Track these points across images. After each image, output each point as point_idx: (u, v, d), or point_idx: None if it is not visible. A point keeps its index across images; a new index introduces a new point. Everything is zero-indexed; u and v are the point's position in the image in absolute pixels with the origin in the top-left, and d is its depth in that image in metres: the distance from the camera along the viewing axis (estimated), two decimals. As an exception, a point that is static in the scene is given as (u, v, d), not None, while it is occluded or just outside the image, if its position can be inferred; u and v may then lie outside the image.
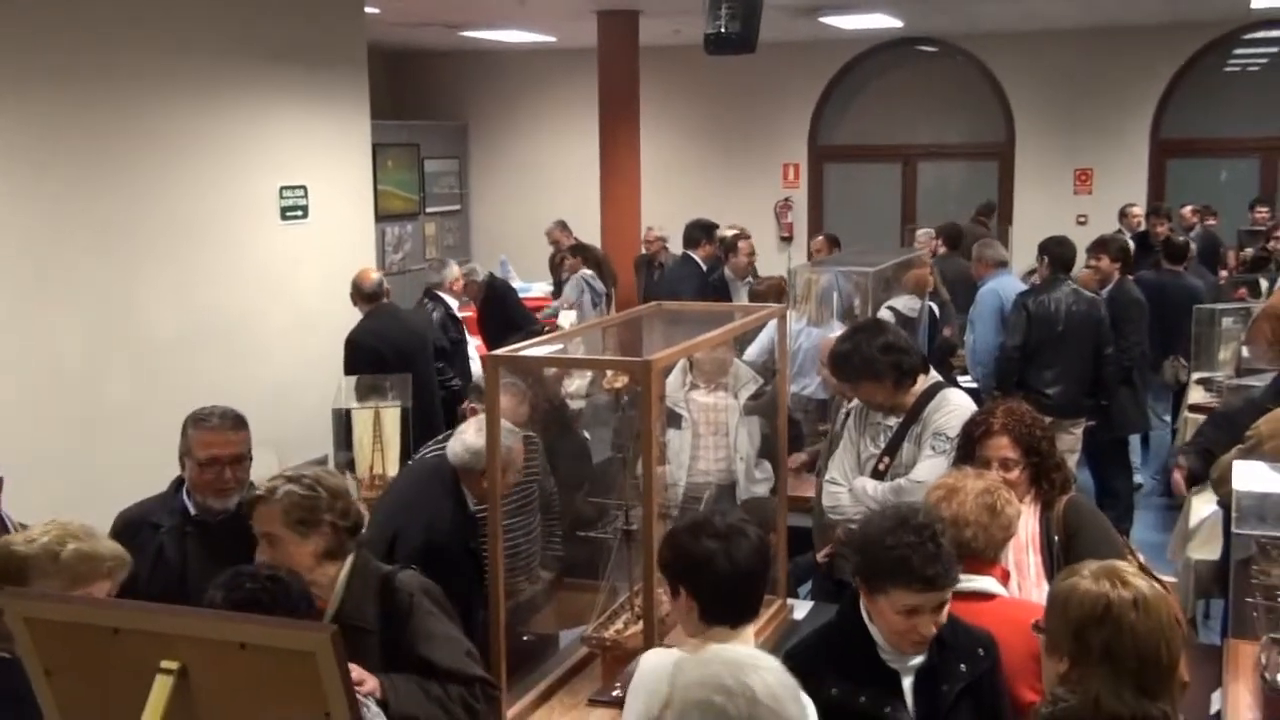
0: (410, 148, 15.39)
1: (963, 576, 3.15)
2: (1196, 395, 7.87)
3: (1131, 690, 2.40)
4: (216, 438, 3.78)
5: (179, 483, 3.88)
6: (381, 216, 12.97)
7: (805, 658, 2.85)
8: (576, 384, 6.97)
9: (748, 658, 2.19)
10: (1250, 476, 3.92)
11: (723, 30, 9.02)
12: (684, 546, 2.85)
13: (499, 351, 3.94)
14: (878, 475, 4.51)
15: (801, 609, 4.57)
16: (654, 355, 3.43)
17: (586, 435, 6.15)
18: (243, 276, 8.00)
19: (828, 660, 2.89)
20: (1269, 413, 4.74)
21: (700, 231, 9.91)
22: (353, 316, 7.70)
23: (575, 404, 6.79)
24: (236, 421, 3.86)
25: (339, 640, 1.75)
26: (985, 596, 3.21)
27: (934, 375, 4.64)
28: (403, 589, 3.23)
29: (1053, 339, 7.31)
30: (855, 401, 5.06)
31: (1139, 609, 2.46)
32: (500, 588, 3.55)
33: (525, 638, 4.51)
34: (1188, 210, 12.54)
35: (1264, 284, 9.95)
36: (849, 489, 4.59)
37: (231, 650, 1.81)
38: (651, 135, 12.64)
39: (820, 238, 11.28)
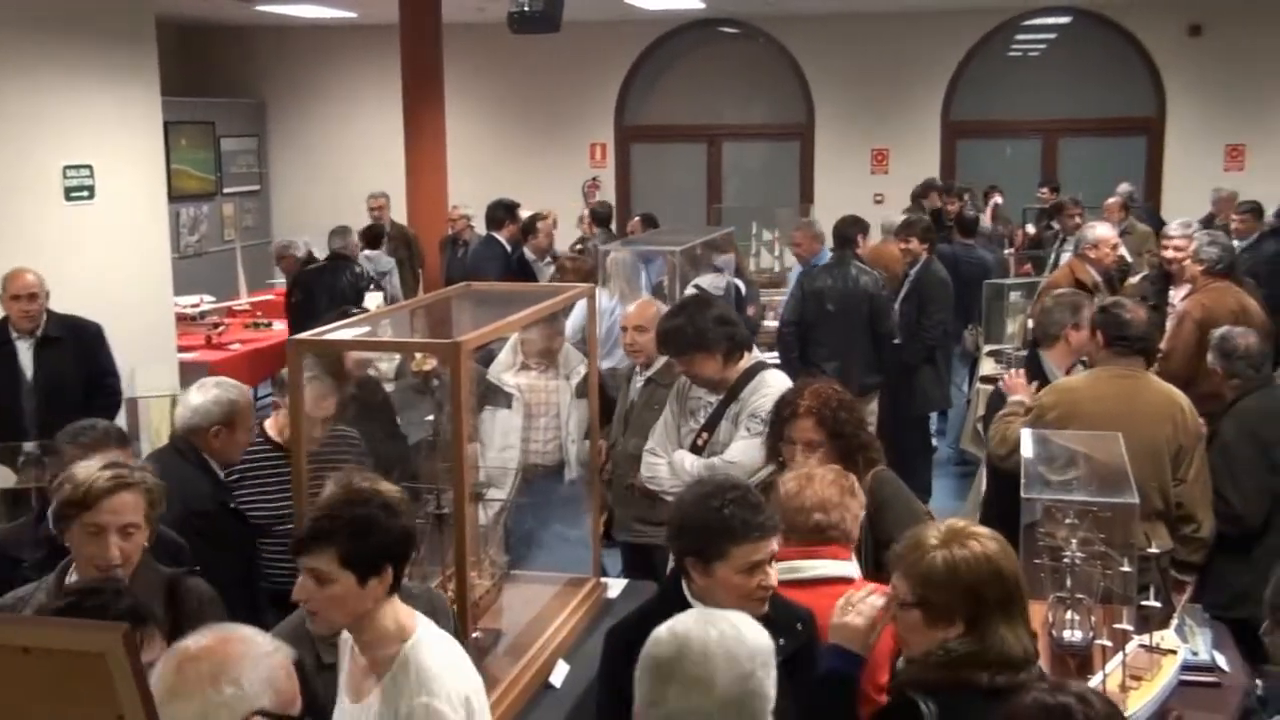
0: (205, 126, 14.83)
1: (827, 561, 3.21)
2: (988, 366, 8.20)
3: (1023, 629, 2.61)
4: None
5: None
6: (176, 197, 12.49)
7: (628, 636, 2.85)
8: (385, 367, 6.84)
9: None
10: (1036, 445, 4.10)
11: (526, 9, 8.97)
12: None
13: (302, 335, 3.83)
14: (696, 450, 4.56)
15: (615, 587, 4.59)
16: (463, 336, 3.38)
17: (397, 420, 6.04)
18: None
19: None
20: (1057, 381, 4.97)
21: (503, 211, 9.87)
22: (148, 297, 7.37)
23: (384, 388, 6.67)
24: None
25: (131, 640, 1.66)
26: (845, 581, 3.23)
27: (756, 354, 4.70)
28: (191, 594, 3.21)
29: (824, 316, 7.50)
30: (651, 371, 5.11)
31: (1006, 555, 2.65)
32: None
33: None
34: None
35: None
36: (668, 462, 4.63)
37: (14, 655, 1.71)
38: (458, 114, 12.47)
39: (636, 218, 11.39)
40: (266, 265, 13.01)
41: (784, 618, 2.97)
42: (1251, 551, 4.77)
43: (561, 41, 11.45)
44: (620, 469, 5.13)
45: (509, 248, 9.63)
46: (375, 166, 13.65)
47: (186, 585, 3.20)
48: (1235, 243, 9.35)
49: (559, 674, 3.85)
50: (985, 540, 2.65)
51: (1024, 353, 6.70)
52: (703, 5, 13.69)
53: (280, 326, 10.04)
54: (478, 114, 15.09)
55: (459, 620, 3.32)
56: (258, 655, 2.10)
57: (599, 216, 11.47)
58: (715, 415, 4.55)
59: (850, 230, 8.00)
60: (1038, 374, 5.27)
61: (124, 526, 3.15)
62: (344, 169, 15.34)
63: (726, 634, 2.24)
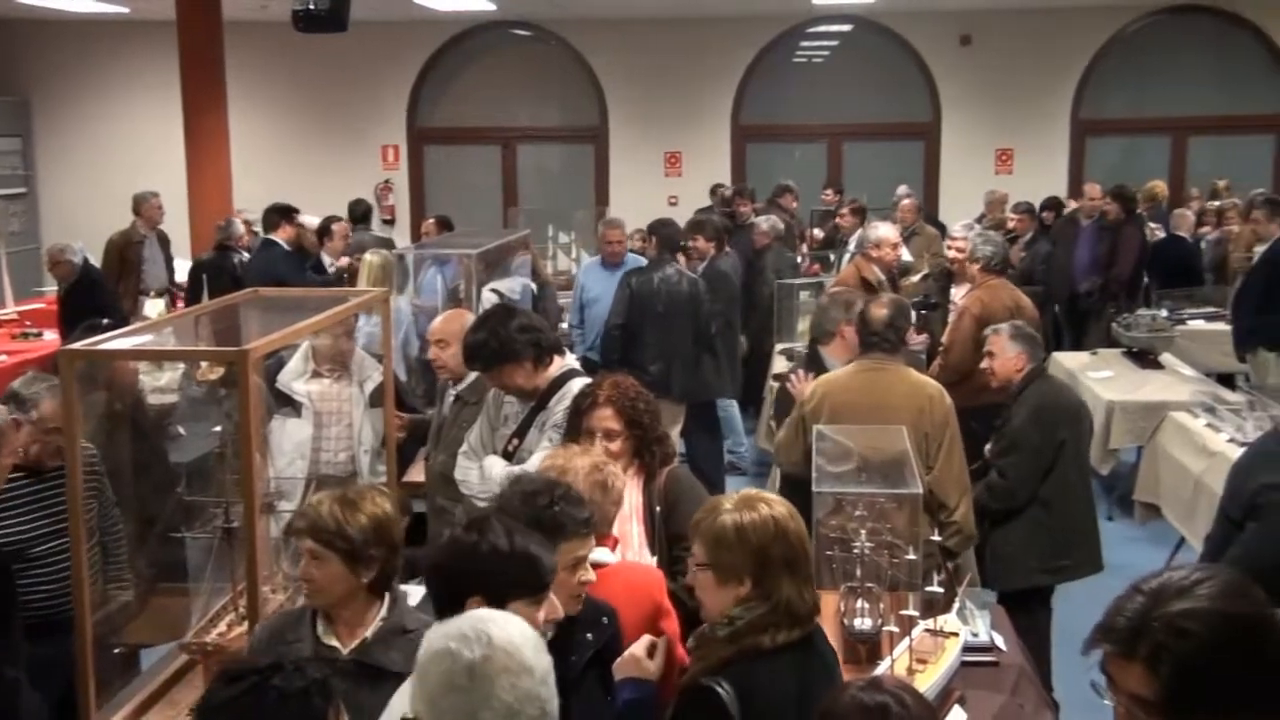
0: (-40, 125, 13.99)
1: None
2: (779, 365, 8.41)
3: (806, 587, 2.83)
4: None
5: None
6: (-67, 200, 11.72)
7: None
8: (167, 377, 6.57)
9: (496, 614, 2.23)
10: (826, 441, 4.23)
11: (312, 7, 8.76)
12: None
13: (74, 345, 3.64)
14: (507, 456, 4.53)
15: (415, 594, 4.52)
16: (251, 344, 3.28)
17: (181, 432, 5.80)
18: None
19: None
20: (819, 377, 5.14)
21: (278, 215, 9.61)
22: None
23: (165, 399, 6.40)
24: None
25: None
26: (599, 566, 3.29)
27: (569, 361, 4.69)
28: None
29: (654, 317, 7.59)
30: (460, 387, 5.06)
31: (794, 518, 2.87)
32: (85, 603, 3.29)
33: (117, 650, 4.21)
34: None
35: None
36: (479, 466, 4.59)
37: None
38: (243, 115, 12.10)
39: (431, 220, 11.25)
40: (36, 271, 12.34)
41: (591, 613, 3.03)
42: (1012, 521, 5.11)
43: (350, 41, 11.24)
44: (431, 487, 5.07)
45: (287, 249, 9.39)
46: (154, 168, 13.09)
47: None
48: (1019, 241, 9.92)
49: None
50: (774, 505, 2.87)
51: (806, 351, 6.91)
52: (494, 7, 13.62)
53: (52, 336, 9.53)
54: (263, 115, 14.67)
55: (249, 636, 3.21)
56: None
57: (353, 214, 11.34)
58: (525, 422, 4.53)
59: (672, 232, 8.10)
60: (819, 370, 5.48)
61: None
62: (120, 170, 14.61)
63: (497, 620, 2.21)
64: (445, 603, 2.58)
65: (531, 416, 4.49)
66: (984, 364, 5.39)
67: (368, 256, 8.18)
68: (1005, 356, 5.25)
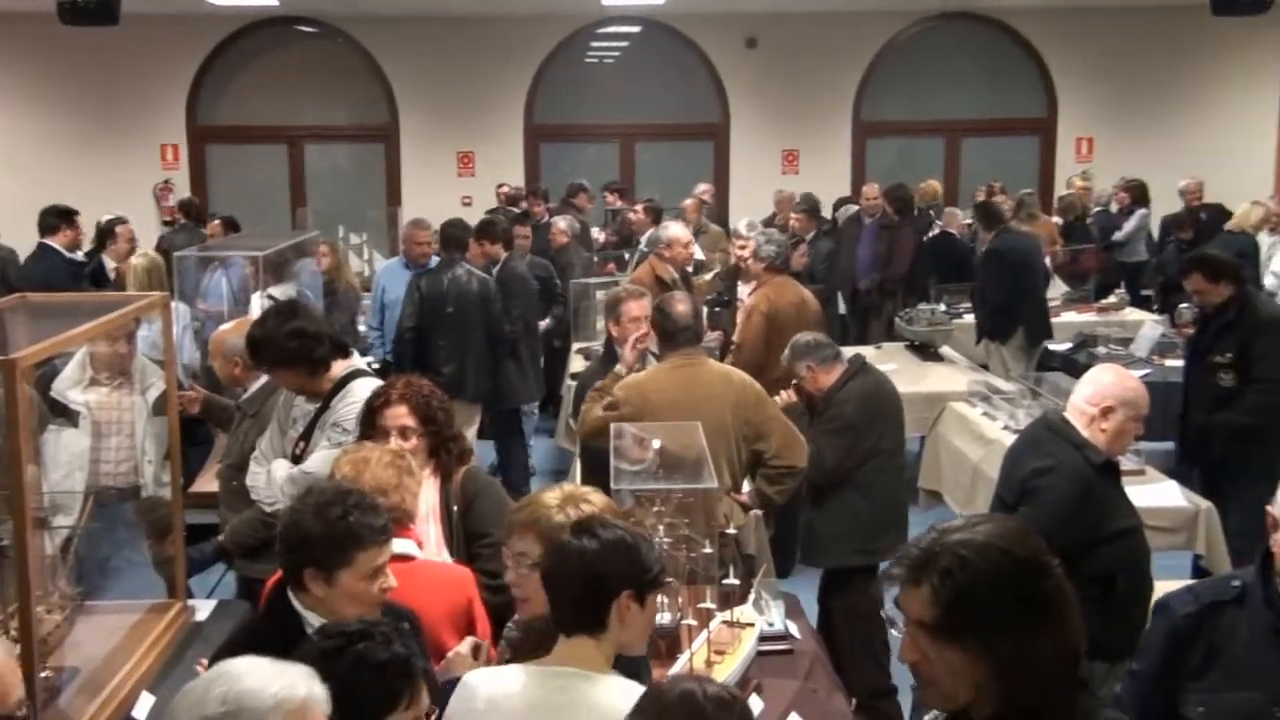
0: None
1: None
2: (576, 364, 8.45)
3: None
4: None
5: None
6: None
7: (236, 655, 2.75)
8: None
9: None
10: (621, 437, 4.27)
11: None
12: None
13: None
14: (295, 460, 4.42)
15: (204, 609, 4.37)
16: (18, 352, 3.11)
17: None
18: None
19: (257, 654, 2.78)
20: (623, 379, 5.20)
21: (57, 218, 9.10)
22: None
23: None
24: None
25: None
26: (406, 559, 3.28)
27: (354, 361, 4.60)
28: None
29: (444, 318, 7.53)
30: (246, 395, 4.94)
31: (615, 514, 2.92)
32: None
33: None
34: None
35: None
36: (267, 470, 4.47)
37: None
38: (6, 112, 11.44)
39: (216, 221, 10.86)
40: None
41: (391, 618, 2.96)
42: (831, 503, 5.33)
43: (125, 35, 10.79)
44: (222, 498, 4.92)
45: (66, 254, 8.91)
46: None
47: None
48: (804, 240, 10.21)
49: (143, 706, 3.63)
50: (596, 503, 2.94)
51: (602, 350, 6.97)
52: (277, 2, 13.25)
53: None
54: (29, 112, 13.95)
55: (24, 660, 3.04)
56: None
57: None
58: (311, 424, 4.44)
59: (459, 233, 8.01)
60: (613, 362, 5.59)
61: None
62: None
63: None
64: None
65: (316, 418, 4.41)
66: (809, 388, 5.54)
67: (134, 260, 7.87)
68: (820, 376, 5.44)
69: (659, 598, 2.70)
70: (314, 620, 2.87)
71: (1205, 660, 2.63)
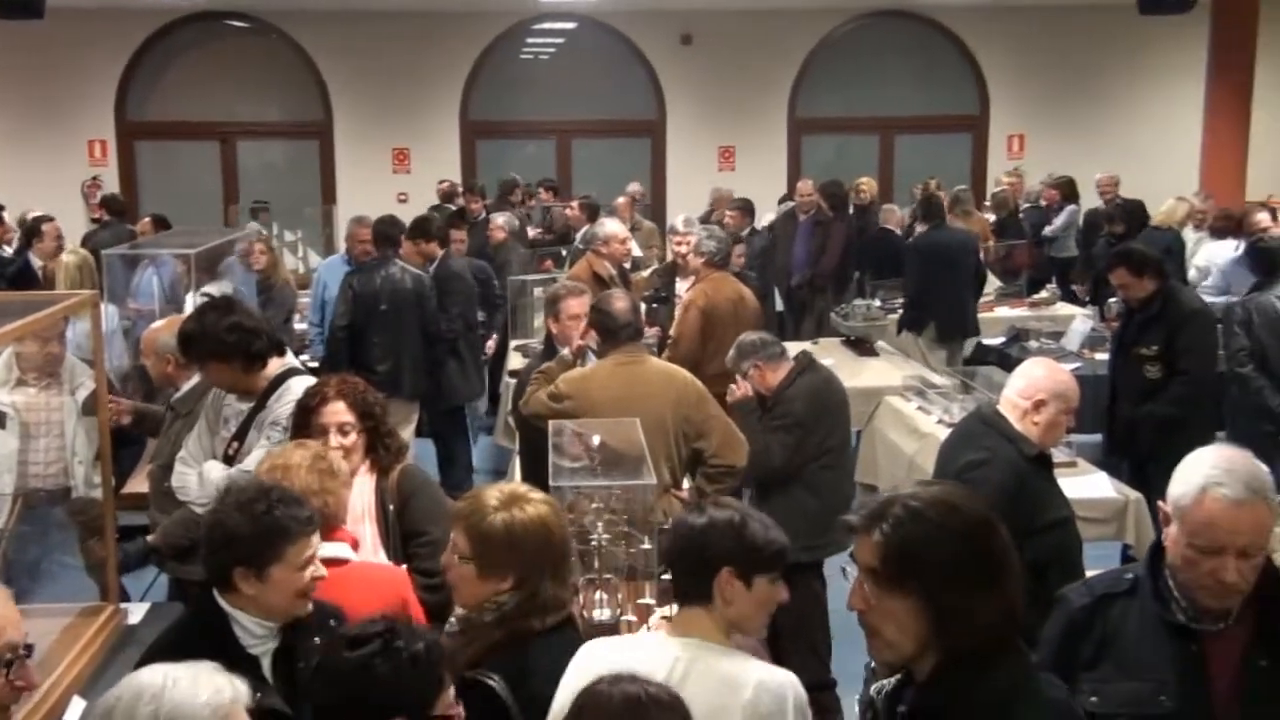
0: None
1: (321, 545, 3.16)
2: (515, 361, 8.43)
3: (564, 582, 2.95)
4: None
5: None
6: None
7: (159, 660, 2.71)
8: None
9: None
10: (559, 433, 4.27)
11: (3, -9, 8.19)
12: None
13: None
14: (228, 460, 4.37)
15: (137, 612, 4.32)
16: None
17: None
18: None
19: (184, 658, 2.74)
20: (565, 373, 5.20)
21: None
22: None
23: None
24: None
25: None
26: (341, 561, 3.26)
27: (289, 360, 4.56)
28: None
29: (378, 316, 7.47)
30: (179, 394, 4.87)
31: (558, 518, 2.95)
32: None
33: None
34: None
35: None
36: (199, 472, 4.41)
37: None
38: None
39: (146, 219, 10.72)
40: None
41: (318, 617, 3.00)
42: (777, 499, 5.32)
43: (50, 29, 10.60)
44: (153, 498, 4.85)
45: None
46: None
47: None
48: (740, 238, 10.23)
49: (74, 712, 3.57)
50: (540, 504, 2.93)
51: (542, 347, 6.96)
52: (204, -3, 13.10)
53: None
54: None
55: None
56: None
57: None
58: (245, 424, 4.39)
59: (392, 230, 7.95)
60: (552, 355, 5.58)
61: None
62: None
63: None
64: None
65: (251, 417, 4.36)
66: (757, 386, 5.57)
67: (64, 257, 7.75)
68: (768, 375, 5.47)
69: (738, 584, 2.71)
70: (243, 620, 2.86)
71: (1098, 651, 2.69)
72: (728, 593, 2.73)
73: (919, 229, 9.86)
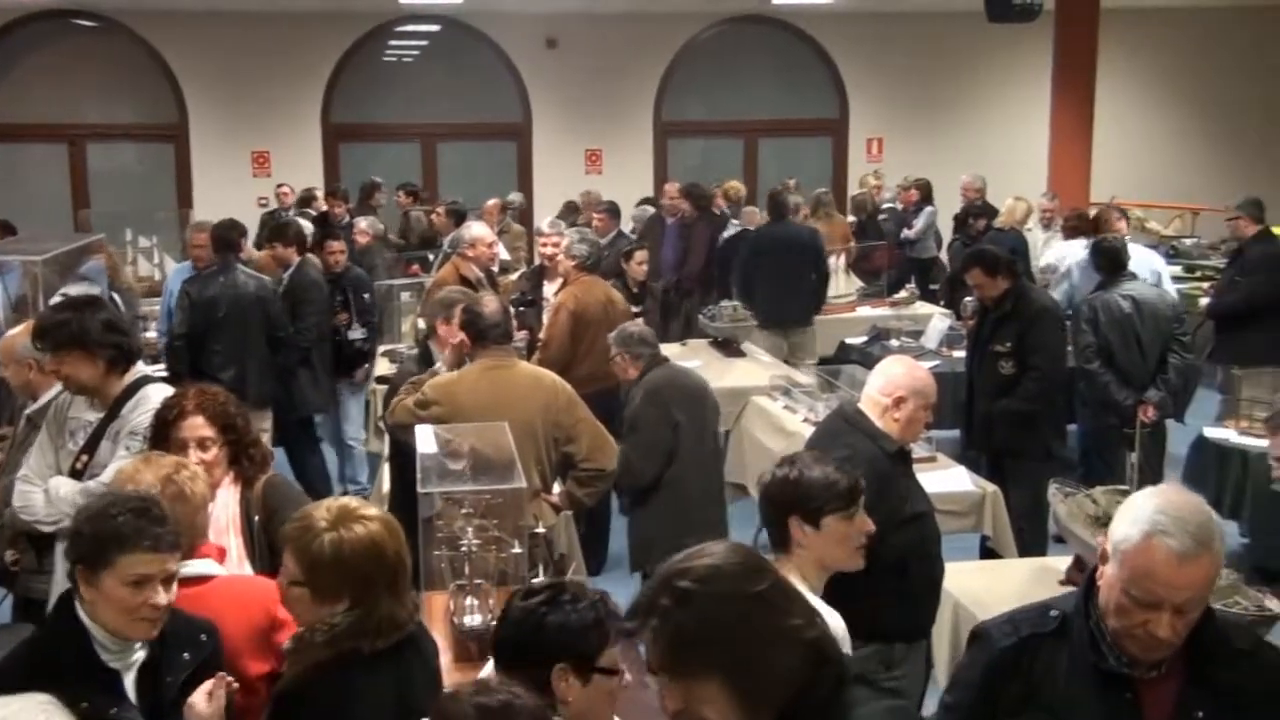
0: None
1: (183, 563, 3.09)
2: (382, 367, 8.32)
3: (405, 598, 2.85)
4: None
5: None
6: None
7: (14, 673, 2.67)
8: None
9: None
10: (427, 439, 4.25)
11: None
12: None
13: None
14: (76, 474, 4.21)
15: None
16: None
17: None
18: None
19: (40, 671, 2.66)
20: (436, 379, 5.16)
21: None
22: None
23: None
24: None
25: None
26: (205, 579, 3.20)
27: (141, 369, 4.43)
28: None
29: (218, 323, 7.28)
30: (31, 408, 4.69)
31: (393, 534, 2.84)
32: None
33: None
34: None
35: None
36: (44, 489, 4.23)
37: None
38: None
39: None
40: None
41: (188, 630, 2.94)
42: (648, 504, 5.46)
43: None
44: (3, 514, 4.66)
45: None
46: None
47: None
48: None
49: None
50: (371, 522, 2.81)
51: (415, 351, 6.89)
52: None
53: None
54: None
55: None
56: None
57: None
58: (96, 434, 4.23)
59: (231, 234, 7.76)
60: (429, 364, 5.55)
61: None
62: None
63: None
64: None
65: (103, 427, 4.21)
66: (620, 377, 5.63)
67: None
68: (629, 369, 5.58)
69: (808, 529, 3.14)
70: (95, 632, 2.76)
71: (1024, 695, 2.53)
72: (801, 538, 3.15)
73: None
